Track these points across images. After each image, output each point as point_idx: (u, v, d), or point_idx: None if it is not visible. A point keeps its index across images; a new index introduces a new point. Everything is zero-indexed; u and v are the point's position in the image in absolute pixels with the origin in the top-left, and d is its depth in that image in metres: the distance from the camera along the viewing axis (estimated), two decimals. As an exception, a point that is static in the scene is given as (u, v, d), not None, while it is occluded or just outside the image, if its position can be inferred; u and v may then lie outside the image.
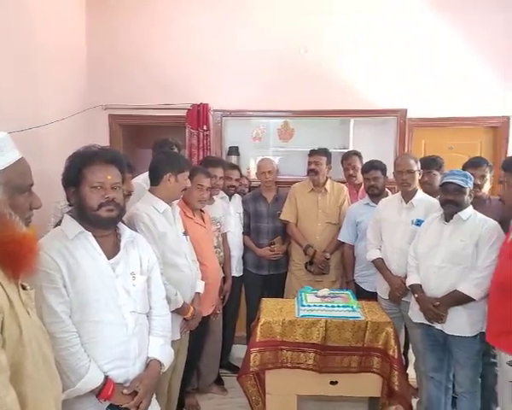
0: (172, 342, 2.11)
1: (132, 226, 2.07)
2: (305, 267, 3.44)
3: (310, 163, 3.45)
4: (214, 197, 3.22)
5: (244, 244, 3.63)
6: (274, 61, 4.40)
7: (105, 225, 1.63)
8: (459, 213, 2.47)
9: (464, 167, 2.86)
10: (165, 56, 4.44)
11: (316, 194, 3.50)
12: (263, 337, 2.62)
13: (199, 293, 2.51)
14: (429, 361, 2.68)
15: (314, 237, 3.45)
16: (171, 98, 4.37)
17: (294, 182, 3.72)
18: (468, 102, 4.45)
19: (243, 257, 3.65)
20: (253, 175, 4.32)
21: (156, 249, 2.10)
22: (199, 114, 4.29)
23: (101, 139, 4.26)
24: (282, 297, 3.38)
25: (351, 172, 3.74)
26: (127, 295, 1.64)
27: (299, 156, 4.03)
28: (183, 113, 4.37)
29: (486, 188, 2.90)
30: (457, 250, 2.43)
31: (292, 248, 3.61)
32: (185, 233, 2.48)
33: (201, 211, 2.88)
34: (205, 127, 4.29)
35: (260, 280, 3.63)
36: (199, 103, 4.31)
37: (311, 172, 3.44)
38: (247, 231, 3.65)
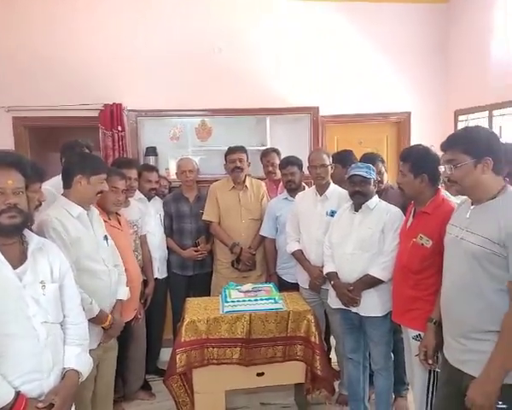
0: (92, 350, 2.04)
1: (42, 233, 1.97)
2: (232, 265, 3.48)
3: (233, 161, 3.47)
4: (130, 199, 3.14)
5: (168, 246, 3.59)
6: (189, 60, 4.39)
7: (7, 232, 1.54)
8: (366, 203, 2.65)
9: (362, 161, 3.04)
10: (75, 56, 4.26)
11: (237, 191, 3.53)
12: (188, 337, 2.62)
13: (121, 300, 2.43)
14: (348, 343, 2.84)
15: (239, 235, 3.48)
16: (82, 98, 4.20)
17: (216, 180, 3.73)
18: (375, 99, 4.78)
19: (168, 259, 3.60)
20: (172, 175, 4.28)
21: (69, 256, 2.01)
22: (112, 114, 4.16)
23: (4, 143, 3.99)
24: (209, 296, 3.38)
25: (270, 168, 3.83)
26: (37, 305, 1.56)
27: (218, 155, 4.05)
28: (96, 113, 4.22)
29: (385, 180, 3.14)
30: (366, 237, 2.60)
31: (216, 247, 3.62)
32: (106, 237, 2.39)
33: (117, 214, 2.79)
34: (119, 128, 4.17)
35: (185, 281, 3.61)
36: (112, 103, 4.17)
37: (237, 169, 3.46)
38: (170, 232, 3.60)
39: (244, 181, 3.55)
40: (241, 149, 3.52)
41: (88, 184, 2.24)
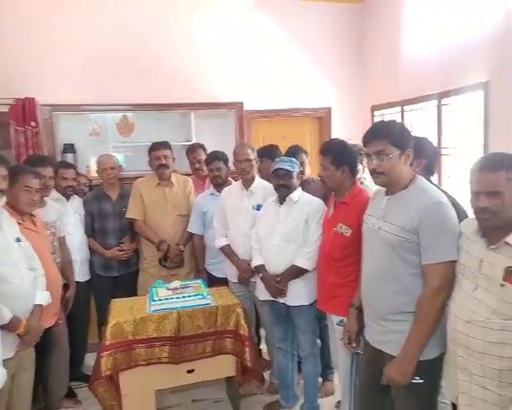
0: (7, 360, 1.90)
1: None
2: (160, 263, 3.40)
3: (157, 157, 3.38)
4: (45, 199, 2.96)
5: (89, 247, 3.43)
6: (109, 52, 4.21)
7: None
8: (290, 196, 2.72)
9: (287, 155, 3.17)
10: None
11: (163, 188, 3.46)
12: (114, 339, 2.52)
13: (40, 305, 2.28)
14: (276, 333, 2.91)
15: (166, 231, 3.41)
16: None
17: (139, 177, 3.62)
18: (298, 95, 4.92)
19: (90, 260, 3.44)
20: (93, 173, 4.09)
21: None
22: (24, 109, 3.87)
23: None
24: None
25: (197, 165, 3.80)
26: None
27: (142, 151, 3.91)
28: (6, 108, 3.91)
29: (307, 171, 3.26)
30: (291, 229, 2.67)
31: (142, 246, 3.52)
32: (18, 239, 2.22)
33: (31, 215, 2.61)
34: (33, 124, 3.90)
35: (110, 282, 3.47)
36: (24, 97, 3.89)
37: (162, 166, 3.38)
38: (92, 232, 3.44)
39: (170, 177, 3.49)
40: (166, 145, 3.44)
41: None
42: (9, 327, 2.02)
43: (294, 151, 3.22)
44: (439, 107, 4.01)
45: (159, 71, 4.33)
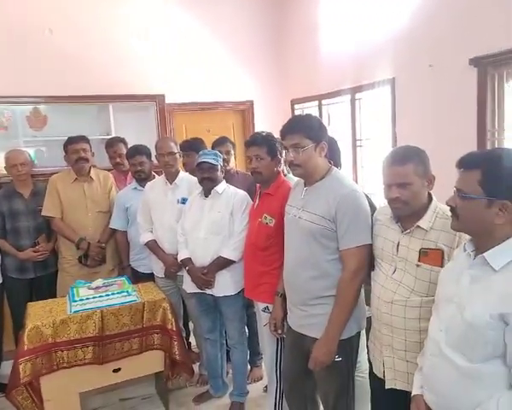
0: None
1: None
2: (80, 262, 3.26)
3: (76, 151, 3.23)
4: None
5: (0, 249, 3.20)
6: (18, 39, 3.92)
7: None
8: (215, 188, 2.74)
9: (213, 146, 3.25)
10: None
11: (81, 183, 3.31)
12: (32, 344, 2.40)
13: None
14: (204, 324, 2.94)
15: (86, 229, 3.27)
16: None
17: (54, 173, 3.43)
18: (221, 88, 4.94)
19: (2, 263, 3.22)
20: (1, 170, 3.80)
21: None
22: None
23: None
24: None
25: (117, 159, 3.69)
26: None
27: (57, 146, 3.69)
28: None
29: (232, 162, 3.32)
30: (217, 221, 2.70)
31: (60, 244, 3.34)
32: None
33: None
34: None
35: (26, 285, 3.27)
36: None
37: (81, 160, 3.24)
38: (3, 233, 3.21)
39: (89, 172, 3.35)
40: (84, 139, 3.30)
41: None
42: None
43: (222, 142, 3.28)
44: (352, 101, 4.25)
45: (74, 62, 4.12)
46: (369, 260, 1.90)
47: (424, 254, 1.65)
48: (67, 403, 2.50)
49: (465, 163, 1.35)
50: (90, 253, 3.25)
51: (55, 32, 4.10)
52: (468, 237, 1.43)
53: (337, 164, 2.36)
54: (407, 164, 1.66)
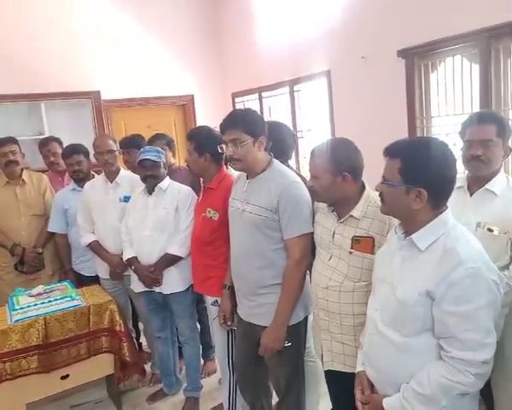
0: None
1: None
2: (16, 269, 3.12)
3: (4, 154, 3.09)
4: None
5: None
6: None
7: None
8: (159, 185, 2.71)
9: (150, 142, 3.23)
10: None
11: (13, 187, 3.17)
12: (-30, 358, 2.28)
13: None
14: (154, 323, 2.92)
15: (19, 234, 3.14)
16: None
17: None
18: (159, 83, 4.87)
19: None
20: None
21: None
22: None
23: None
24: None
25: (52, 159, 3.56)
26: None
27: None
28: None
29: (171, 159, 3.32)
30: (162, 218, 2.68)
31: (-7, 252, 3.18)
32: None
33: None
34: None
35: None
36: None
37: (11, 163, 3.11)
38: None
39: (21, 175, 3.20)
40: (11, 141, 3.15)
41: None
42: None
43: (156, 138, 3.28)
44: (291, 93, 4.35)
45: (2, 58, 3.88)
46: (311, 247, 1.97)
47: (356, 242, 1.74)
48: (14, 416, 2.41)
49: (389, 152, 1.45)
50: (26, 258, 3.12)
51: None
52: (396, 222, 1.53)
53: (287, 155, 2.42)
54: (316, 158, 1.79)
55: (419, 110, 3.23)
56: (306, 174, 2.12)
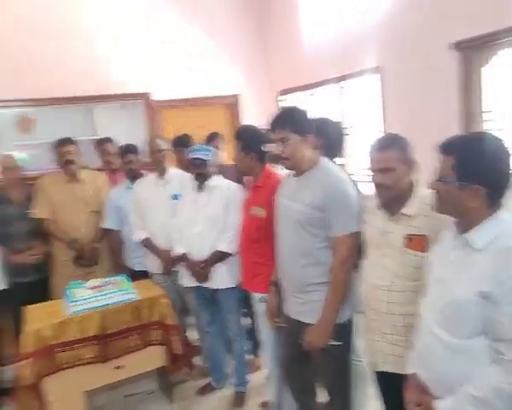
0: None
1: None
2: (75, 263, 3.28)
3: (62, 154, 3.25)
4: None
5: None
6: (2, 44, 3.90)
7: None
8: (208, 183, 2.78)
9: (207, 141, 3.34)
10: None
11: (72, 185, 3.33)
12: (32, 347, 2.42)
13: None
14: (203, 317, 2.99)
15: (79, 230, 3.30)
16: None
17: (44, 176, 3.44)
18: (207, 83, 4.95)
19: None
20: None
21: None
22: None
23: None
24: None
25: (106, 158, 3.71)
26: None
27: (46, 148, 3.69)
28: None
29: (222, 157, 3.38)
30: (212, 215, 2.74)
31: (54, 247, 3.36)
32: None
33: None
34: None
35: (22, 289, 3.27)
36: None
37: (68, 163, 3.26)
38: (-4, 239, 3.21)
39: (79, 173, 3.36)
40: (69, 141, 3.32)
41: None
42: None
43: (211, 137, 3.41)
44: (338, 90, 4.29)
45: (59, 64, 4.12)
46: (357, 246, 1.95)
47: (408, 240, 1.70)
48: (72, 402, 2.53)
49: (443, 148, 1.40)
50: (84, 253, 3.27)
51: (40, 36, 4.07)
52: (450, 220, 1.48)
53: (336, 152, 2.40)
54: (390, 150, 1.71)
55: (472, 105, 3.10)
56: (352, 172, 2.10)
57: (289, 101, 5.06)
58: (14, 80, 3.91)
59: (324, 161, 2.08)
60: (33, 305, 2.79)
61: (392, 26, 3.57)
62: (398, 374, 1.70)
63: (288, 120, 2.02)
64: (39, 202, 3.25)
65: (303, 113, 2.11)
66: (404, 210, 1.72)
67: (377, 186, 1.76)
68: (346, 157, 4.27)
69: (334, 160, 2.30)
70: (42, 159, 3.91)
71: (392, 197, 1.75)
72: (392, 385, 1.75)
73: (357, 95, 4.16)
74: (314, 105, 4.67)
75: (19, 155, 3.51)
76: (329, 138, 2.27)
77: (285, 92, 5.13)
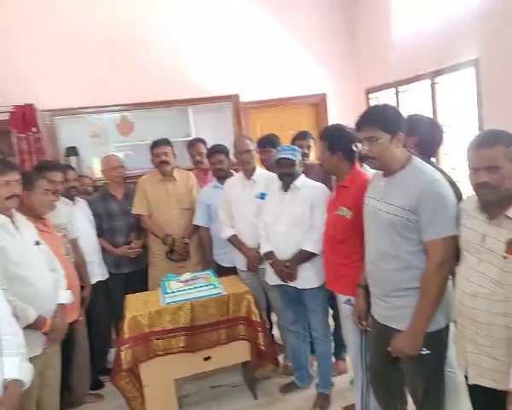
0: (35, 358, 2.00)
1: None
2: (167, 256, 3.48)
3: (158, 155, 3.46)
4: (55, 203, 3.02)
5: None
6: (104, 53, 4.28)
7: None
8: (294, 183, 2.79)
9: (293, 140, 3.30)
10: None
11: (166, 183, 3.53)
12: (131, 333, 2.62)
13: (63, 304, 2.35)
14: (288, 316, 3.00)
15: (171, 225, 3.49)
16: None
17: (142, 175, 3.69)
18: (293, 83, 4.97)
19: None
20: (96, 175, 4.17)
21: None
22: (24, 116, 3.93)
23: None
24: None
25: (197, 158, 3.87)
26: None
27: (143, 149, 3.97)
28: (5, 116, 3.96)
29: (312, 156, 3.36)
30: (297, 215, 2.74)
31: (150, 241, 3.60)
32: (38, 243, 2.31)
33: (42, 218, 2.66)
34: (34, 130, 3.96)
35: (122, 279, 3.55)
36: (23, 104, 3.94)
37: (163, 163, 3.46)
38: (101, 232, 3.51)
39: (172, 173, 3.56)
40: (166, 143, 3.51)
41: None
42: (35, 326, 2.11)
43: (303, 136, 3.36)
44: (432, 86, 4.07)
45: (155, 69, 4.40)
46: (454, 251, 1.83)
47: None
48: (164, 389, 2.70)
49: None
50: (176, 248, 3.45)
51: (137, 46, 4.38)
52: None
53: (432, 151, 2.29)
54: (496, 146, 1.58)
55: None
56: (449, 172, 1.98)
57: (378, 99, 4.90)
58: (116, 87, 4.24)
59: (417, 160, 1.98)
60: (133, 294, 3.02)
61: (492, 16, 3.31)
62: (496, 389, 1.58)
63: (376, 117, 1.95)
64: (138, 200, 3.50)
65: (393, 110, 2.03)
66: (507, 212, 1.59)
67: (479, 186, 1.64)
68: (442, 156, 4.05)
69: (431, 159, 2.20)
70: (140, 159, 4.22)
71: (496, 198, 1.62)
72: (489, 401, 1.64)
73: (452, 90, 3.91)
74: (406, 102, 4.47)
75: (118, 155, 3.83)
76: (424, 137, 2.16)
77: (373, 90, 4.99)
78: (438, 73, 3.94)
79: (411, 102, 4.45)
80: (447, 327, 1.98)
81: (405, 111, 4.31)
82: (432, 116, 4.07)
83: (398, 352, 1.96)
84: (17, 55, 4.05)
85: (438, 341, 1.96)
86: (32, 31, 4.08)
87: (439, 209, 1.83)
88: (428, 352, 1.92)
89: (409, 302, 1.92)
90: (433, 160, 2.31)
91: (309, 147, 3.31)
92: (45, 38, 4.12)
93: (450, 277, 1.89)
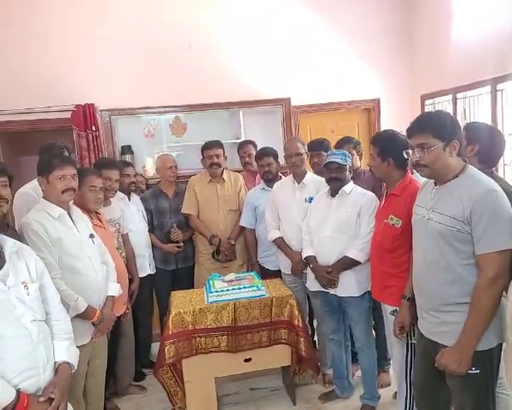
0: (83, 346, 2.09)
1: (23, 236, 2.06)
2: (213, 257, 3.54)
3: (210, 157, 3.51)
4: (110, 199, 3.16)
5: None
6: (160, 56, 4.40)
7: None
8: (343, 188, 2.75)
9: (338, 145, 3.27)
10: (41, 57, 4.20)
11: (214, 184, 3.59)
12: (175, 329, 2.68)
13: (112, 296, 2.46)
14: (329, 325, 2.96)
15: (218, 226, 3.54)
16: (52, 100, 4.14)
17: (191, 176, 3.77)
18: (345, 87, 4.89)
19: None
20: (149, 173, 4.31)
21: (51, 254, 2.10)
22: (85, 114, 4.13)
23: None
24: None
25: (247, 159, 3.91)
26: (23, 305, 1.60)
27: (194, 150, 4.05)
28: (67, 115, 4.18)
29: (357, 162, 3.30)
30: (344, 220, 2.71)
31: (197, 240, 3.67)
32: (92, 235, 2.42)
33: (97, 213, 2.80)
34: (93, 128, 4.15)
35: (169, 275, 3.65)
36: (84, 104, 4.15)
37: (214, 165, 3.51)
38: (151, 228, 3.62)
39: (221, 174, 3.61)
40: (218, 144, 3.56)
41: (48, 183, 2.26)
42: (85, 316, 2.22)
43: (344, 142, 3.30)
44: (493, 92, 3.87)
45: (208, 72, 4.46)
46: (509, 266, 1.73)
47: None
48: (205, 386, 2.75)
49: None
50: (221, 249, 3.50)
51: (191, 49, 4.49)
52: None
53: (493, 162, 2.19)
54: None
55: None
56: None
57: (434, 106, 4.73)
58: (170, 89, 4.36)
59: (472, 169, 1.89)
60: (178, 291, 3.09)
61: None
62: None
63: (429, 124, 1.88)
64: (187, 200, 3.59)
65: (447, 116, 1.95)
66: None
67: None
68: (503, 167, 3.85)
69: (491, 170, 2.09)
70: (190, 159, 4.32)
71: None
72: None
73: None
74: (462, 110, 4.28)
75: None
76: (484, 146, 2.06)
77: (429, 97, 4.81)
78: (500, 79, 3.75)
79: (470, 110, 4.26)
80: (500, 346, 1.87)
81: (463, 119, 4.15)
82: (494, 125, 3.88)
83: (444, 369, 1.87)
84: (79, 59, 4.26)
85: (488, 361, 1.85)
86: (92, 37, 4.28)
87: (494, 221, 1.73)
88: (478, 371, 1.82)
89: (458, 318, 1.83)
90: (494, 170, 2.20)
91: (358, 153, 3.26)
92: (104, 43, 4.29)
93: (504, 293, 1.78)
